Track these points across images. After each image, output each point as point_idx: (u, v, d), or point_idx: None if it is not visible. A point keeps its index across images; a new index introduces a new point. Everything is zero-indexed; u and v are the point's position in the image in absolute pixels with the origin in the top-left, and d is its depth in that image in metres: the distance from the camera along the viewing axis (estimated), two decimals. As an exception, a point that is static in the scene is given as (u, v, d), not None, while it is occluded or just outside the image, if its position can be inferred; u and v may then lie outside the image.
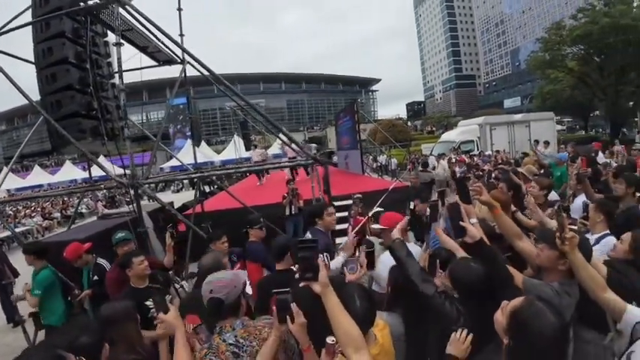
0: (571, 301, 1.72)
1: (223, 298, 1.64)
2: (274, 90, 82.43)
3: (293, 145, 13.11)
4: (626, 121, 30.01)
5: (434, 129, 54.80)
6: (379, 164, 19.69)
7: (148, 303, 2.69)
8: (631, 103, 26.34)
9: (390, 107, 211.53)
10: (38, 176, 34.30)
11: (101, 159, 11.63)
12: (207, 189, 11.78)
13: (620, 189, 3.52)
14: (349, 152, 12.83)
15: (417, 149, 25.84)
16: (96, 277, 3.58)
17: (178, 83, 4.68)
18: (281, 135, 6.17)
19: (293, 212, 7.02)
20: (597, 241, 2.63)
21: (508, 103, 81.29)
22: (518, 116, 17.65)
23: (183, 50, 4.27)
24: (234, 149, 23.65)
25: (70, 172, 34.05)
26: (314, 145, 14.76)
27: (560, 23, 28.57)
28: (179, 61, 4.68)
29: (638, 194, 3.87)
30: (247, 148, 17.22)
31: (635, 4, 24.08)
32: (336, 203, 6.12)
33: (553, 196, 4.50)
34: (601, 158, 9.01)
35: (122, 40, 5.08)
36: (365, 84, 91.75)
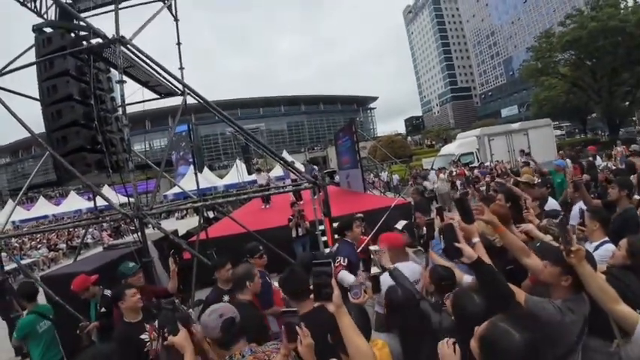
0: (575, 318, 1.67)
1: (235, 316, 1.71)
2: (274, 113, 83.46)
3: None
4: (624, 120, 30.07)
5: (433, 142, 55.07)
6: (381, 181, 19.78)
7: (142, 337, 2.68)
8: (627, 102, 26.44)
9: (388, 124, 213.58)
10: (43, 207, 34.50)
11: (106, 188, 11.77)
12: (211, 214, 11.80)
13: (614, 193, 3.55)
14: (350, 171, 12.89)
15: (418, 164, 25.93)
16: (103, 309, 3.60)
17: (179, 114, 4.83)
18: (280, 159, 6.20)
19: (300, 234, 7.02)
20: (596, 248, 2.63)
21: (505, 112, 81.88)
22: (515, 125, 17.77)
23: (182, 84, 4.42)
24: (237, 173, 23.85)
25: (75, 202, 34.27)
26: (314, 166, 14.82)
27: (549, 31, 29.08)
28: (179, 92, 4.84)
29: (638, 197, 3.89)
30: (249, 172, 17.35)
31: (622, 6, 24.32)
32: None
33: (553, 204, 4.49)
34: (598, 161, 9.02)
35: (124, 77, 5.30)
36: (363, 102, 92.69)
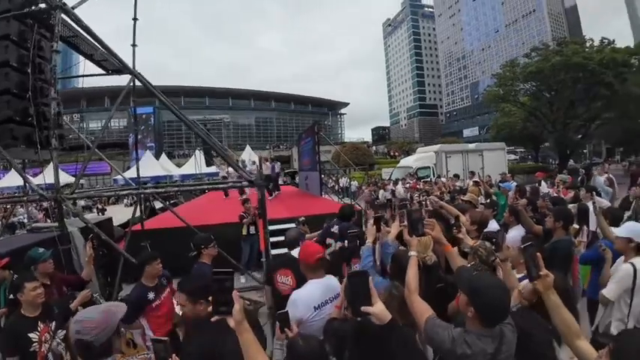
0: (469, 353, 1.50)
1: (91, 339, 1.46)
2: (243, 106, 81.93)
3: (248, 164, 12.91)
4: (574, 151, 32.10)
5: (396, 154, 56.45)
6: (340, 186, 19.96)
7: (31, 335, 2.43)
8: (579, 136, 27.84)
9: (356, 130, 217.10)
10: (-16, 180, 31.53)
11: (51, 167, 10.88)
12: (158, 204, 11.17)
13: (549, 222, 3.58)
14: (309, 173, 12.87)
15: (378, 173, 26.41)
16: (12, 296, 3.25)
17: (124, 93, 4.49)
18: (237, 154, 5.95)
19: (251, 232, 6.81)
20: (519, 281, 2.43)
21: (467, 132, 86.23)
22: (472, 145, 18.58)
23: (120, 61, 4.05)
24: (195, 164, 23.09)
25: (19, 177, 31.56)
26: (278, 163, 14.51)
27: (514, 61, 30.37)
28: (126, 71, 4.49)
29: (577, 226, 4.01)
30: (208, 164, 16.79)
31: (587, 45, 25.66)
32: (274, 227, 5.98)
33: (495, 227, 4.58)
34: (544, 188, 9.45)
35: (68, 46, 4.87)
36: (334, 107, 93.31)
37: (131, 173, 24.43)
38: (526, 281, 2.34)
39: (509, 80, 28.35)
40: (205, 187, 9.26)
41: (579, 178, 11.20)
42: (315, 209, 7.93)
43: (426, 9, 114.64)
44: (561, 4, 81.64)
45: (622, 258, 2.86)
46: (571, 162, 32.12)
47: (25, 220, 18.93)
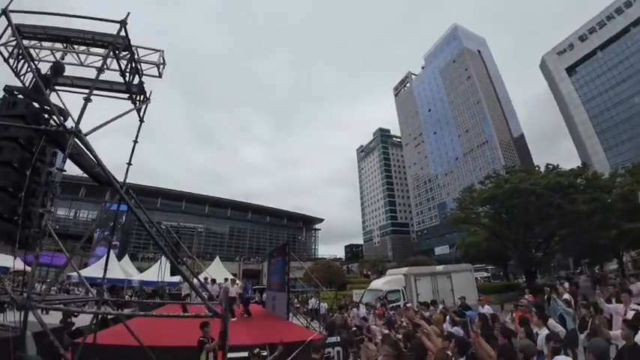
0: None
1: None
2: (219, 214, 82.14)
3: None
4: (539, 267, 32.27)
5: (369, 273, 55.86)
6: (309, 308, 19.21)
7: None
8: (540, 253, 28.41)
9: (330, 246, 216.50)
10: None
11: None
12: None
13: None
14: (277, 294, 12.45)
15: (349, 293, 25.52)
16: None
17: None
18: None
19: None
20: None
21: (438, 250, 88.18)
22: (440, 267, 18.81)
23: (119, 185, 4.48)
24: (159, 271, 21.97)
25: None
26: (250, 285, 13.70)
27: (471, 187, 32.86)
28: (118, 186, 4.91)
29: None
30: (173, 273, 15.93)
31: (536, 169, 28.53)
32: (232, 355, 5.66)
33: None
34: (489, 310, 9.36)
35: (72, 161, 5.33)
36: (309, 222, 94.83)
37: (88, 272, 22.62)
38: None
39: (468, 204, 30.48)
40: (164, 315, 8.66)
41: (545, 296, 10.82)
42: (279, 336, 7.31)
43: (395, 139, 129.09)
44: (509, 135, 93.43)
45: None
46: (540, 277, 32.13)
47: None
